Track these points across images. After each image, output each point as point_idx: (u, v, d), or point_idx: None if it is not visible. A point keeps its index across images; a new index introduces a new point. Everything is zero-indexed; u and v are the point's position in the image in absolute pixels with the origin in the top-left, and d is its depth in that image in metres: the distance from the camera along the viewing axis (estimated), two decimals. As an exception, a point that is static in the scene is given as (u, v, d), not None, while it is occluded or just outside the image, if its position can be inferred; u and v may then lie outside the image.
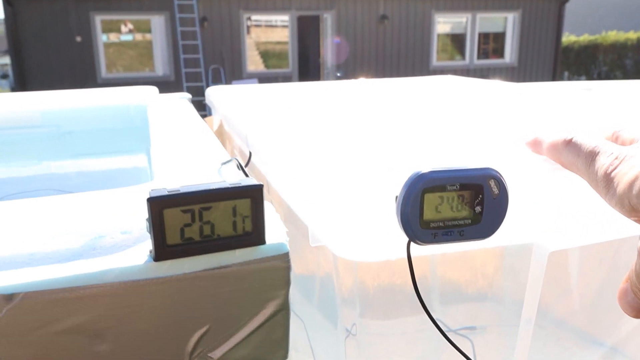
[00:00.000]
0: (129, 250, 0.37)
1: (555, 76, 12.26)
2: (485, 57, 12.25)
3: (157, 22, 10.05)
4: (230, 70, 10.38)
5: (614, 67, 14.74)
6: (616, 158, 0.33)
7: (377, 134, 0.71)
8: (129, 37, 10.39)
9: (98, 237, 0.38)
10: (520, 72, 12.11)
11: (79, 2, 9.40)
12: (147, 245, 0.37)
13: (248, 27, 10.75)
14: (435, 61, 11.68)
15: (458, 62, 12.01)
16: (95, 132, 1.12)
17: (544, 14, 11.92)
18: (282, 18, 10.89)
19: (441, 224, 0.40)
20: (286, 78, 10.93)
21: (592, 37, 15.12)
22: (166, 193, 0.34)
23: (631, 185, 0.30)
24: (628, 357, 0.65)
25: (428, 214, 0.39)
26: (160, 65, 10.27)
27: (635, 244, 0.32)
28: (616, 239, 0.51)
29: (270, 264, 0.38)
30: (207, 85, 9.86)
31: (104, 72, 9.93)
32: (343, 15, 10.77)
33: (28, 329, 0.33)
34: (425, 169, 0.39)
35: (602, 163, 0.34)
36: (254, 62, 11.07)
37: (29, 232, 0.38)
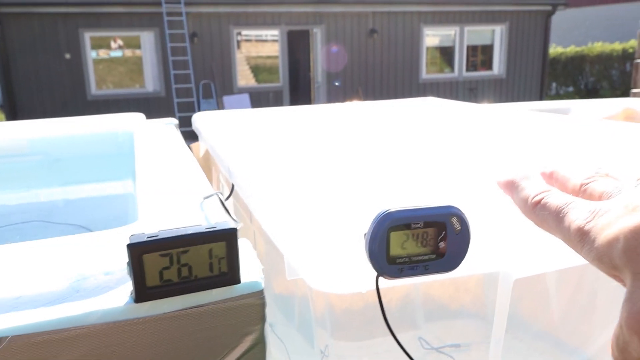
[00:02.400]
0: (111, 292, 0.39)
1: (543, 87, 12.42)
2: (474, 69, 12.39)
3: (147, 38, 10.09)
4: (221, 85, 10.42)
5: (601, 78, 14.96)
6: (591, 213, 0.32)
7: (354, 164, 0.74)
8: (118, 54, 10.42)
9: (82, 279, 0.40)
10: (509, 84, 12.25)
11: (68, 18, 9.43)
12: (129, 286, 0.39)
13: (238, 42, 10.81)
14: (424, 74, 11.79)
15: (447, 75, 12.13)
16: (83, 159, 1.14)
17: (531, 26, 12.10)
18: (272, 33, 10.98)
19: (407, 259, 0.42)
20: (277, 92, 10.99)
21: (578, 49, 15.35)
22: (145, 239, 0.36)
23: (611, 244, 0.29)
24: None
25: (394, 251, 0.42)
26: (151, 81, 10.30)
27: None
28: (579, 265, 0.53)
29: (246, 301, 0.40)
30: (198, 101, 9.90)
31: (93, 89, 9.93)
32: (332, 30, 10.88)
33: (15, 370, 0.35)
34: (391, 207, 0.41)
35: (574, 218, 0.33)
36: (244, 77, 11.12)
37: (16, 276, 0.40)
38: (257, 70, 11.56)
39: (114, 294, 0.39)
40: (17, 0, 9.09)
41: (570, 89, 15.39)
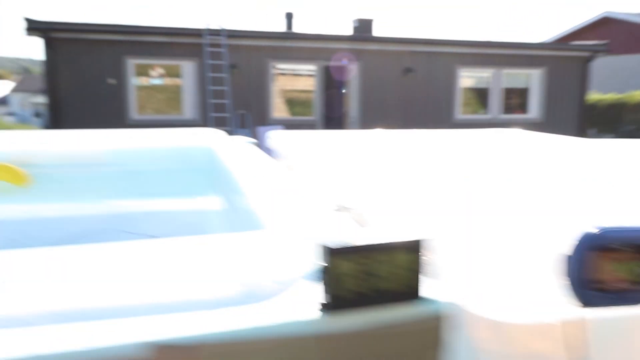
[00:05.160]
0: (290, 301, 0.35)
1: (580, 133, 12.22)
2: (510, 112, 12.30)
3: (188, 67, 10.34)
4: (256, 116, 10.56)
5: (640, 126, 14.70)
6: None
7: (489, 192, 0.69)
8: (159, 81, 10.70)
9: (251, 285, 0.36)
10: (546, 128, 12.10)
11: (114, 45, 9.76)
12: (302, 296, 0.35)
13: (274, 75, 11.00)
14: (458, 114, 11.75)
15: (482, 116, 12.07)
16: (161, 172, 1.12)
17: (569, 71, 12.01)
18: (308, 67, 11.14)
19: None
20: (310, 126, 11.07)
21: (618, 96, 15.18)
22: (344, 245, 0.32)
23: None
24: None
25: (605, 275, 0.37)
26: (189, 109, 10.50)
27: None
28: None
29: (437, 322, 0.35)
30: (233, 130, 10.02)
31: (134, 114, 10.17)
32: (369, 66, 10.98)
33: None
34: (601, 226, 0.36)
35: None
36: (279, 109, 11.25)
37: (179, 276, 0.36)
38: (291, 103, 11.70)
39: (296, 304, 0.34)
40: (67, 26, 9.48)
41: (612, 135, 15.15)
